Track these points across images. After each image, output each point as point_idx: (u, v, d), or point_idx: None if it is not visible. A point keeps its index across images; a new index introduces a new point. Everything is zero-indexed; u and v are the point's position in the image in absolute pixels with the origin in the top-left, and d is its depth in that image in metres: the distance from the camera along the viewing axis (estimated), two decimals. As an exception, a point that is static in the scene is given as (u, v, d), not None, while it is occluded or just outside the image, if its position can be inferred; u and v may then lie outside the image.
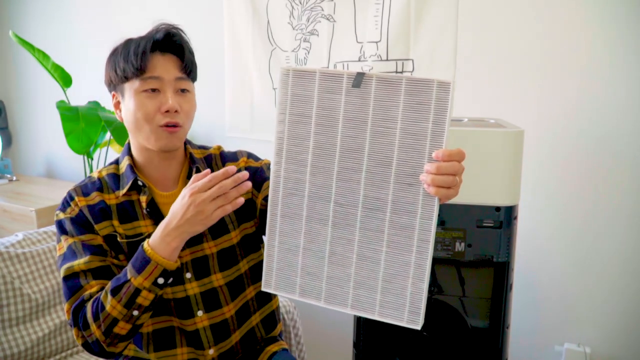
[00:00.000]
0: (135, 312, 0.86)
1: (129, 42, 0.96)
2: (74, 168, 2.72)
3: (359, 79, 0.75)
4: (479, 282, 1.18)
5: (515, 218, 1.14)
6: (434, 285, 1.20)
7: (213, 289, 1.02)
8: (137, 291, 0.85)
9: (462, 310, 1.19)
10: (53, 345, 1.54)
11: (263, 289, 0.86)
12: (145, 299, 0.85)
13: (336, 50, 1.82)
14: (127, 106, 0.95)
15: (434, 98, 0.72)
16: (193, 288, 1.00)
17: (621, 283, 1.48)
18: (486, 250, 1.13)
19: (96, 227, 0.95)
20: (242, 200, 0.84)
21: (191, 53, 0.99)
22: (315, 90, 0.78)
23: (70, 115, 2.08)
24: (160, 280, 0.86)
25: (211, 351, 1.03)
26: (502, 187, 1.10)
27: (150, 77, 0.92)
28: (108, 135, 2.24)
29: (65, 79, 2.31)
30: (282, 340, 1.19)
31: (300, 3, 1.85)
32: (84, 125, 2.09)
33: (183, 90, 0.96)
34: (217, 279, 1.02)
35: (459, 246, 1.14)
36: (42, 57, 2.24)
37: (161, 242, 0.85)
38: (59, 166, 2.89)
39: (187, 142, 1.06)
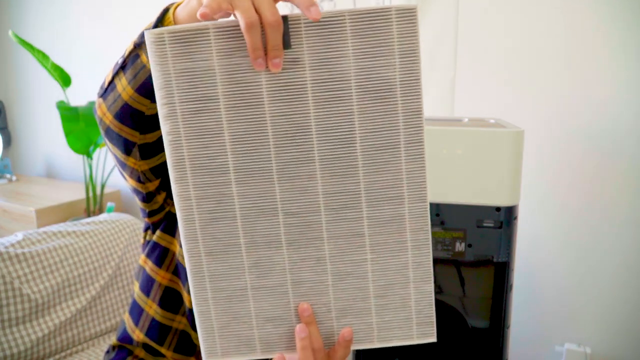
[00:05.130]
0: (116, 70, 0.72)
1: None
2: (74, 168, 2.72)
3: (286, 32, 0.51)
4: (479, 282, 1.18)
5: (516, 218, 1.14)
6: (434, 285, 1.20)
7: None
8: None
9: (462, 310, 1.19)
10: (53, 345, 1.54)
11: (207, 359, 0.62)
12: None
13: (336, 50, 1.82)
14: None
15: (395, 34, 0.52)
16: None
17: (621, 283, 1.48)
18: (486, 250, 1.13)
19: None
20: (260, 62, 0.53)
21: None
22: (214, 58, 0.52)
23: (70, 115, 2.08)
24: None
25: None
26: (502, 187, 1.10)
27: None
28: (108, 135, 2.24)
29: (65, 79, 2.31)
30: None
31: (300, 3, 1.85)
32: (84, 125, 2.09)
33: None
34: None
35: (459, 246, 1.14)
36: (42, 57, 2.24)
37: None
38: (58, 166, 2.89)
39: None
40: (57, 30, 2.67)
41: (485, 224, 1.12)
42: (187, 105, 0.53)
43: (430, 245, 0.60)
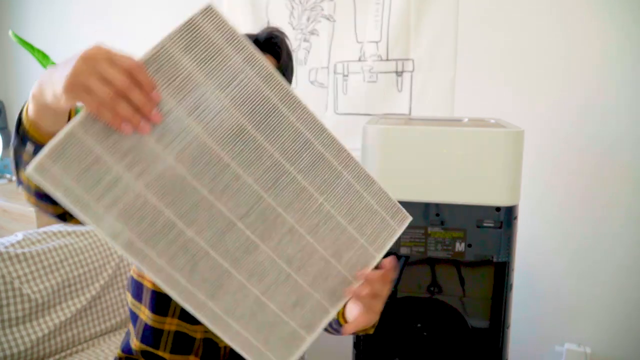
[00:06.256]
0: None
1: None
2: (74, 168, 2.72)
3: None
4: (479, 282, 1.18)
5: (515, 218, 1.14)
6: (434, 285, 1.20)
7: None
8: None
9: (462, 310, 1.19)
10: (53, 345, 1.54)
11: None
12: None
13: (336, 50, 1.82)
14: None
15: (219, 39, 0.57)
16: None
17: (621, 283, 1.48)
18: (486, 250, 1.13)
19: None
20: (127, 128, 0.54)
21: (289, 58, 0.98)
22: (97, 146, 0.55)
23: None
24: (14, 140, 0.67)
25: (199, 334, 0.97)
26: (502, 187, 1.10)
27: None
28: (108, 135, 2.24)
29: (65, 79, 2.30)
30: None
31: (300, 3, 1.85)
32: (84, 125, 2.08)
33: None
34: None
35: (459, 246, 1.13)
36: (42, 57, 2.24)
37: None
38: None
39: None
40: (57, 30, 2.67)
41: (485, 224, 1.12)
42: (103, 200, 0.55)
43: (357, 158, 0.67)
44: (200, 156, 0.58)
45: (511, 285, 1.17)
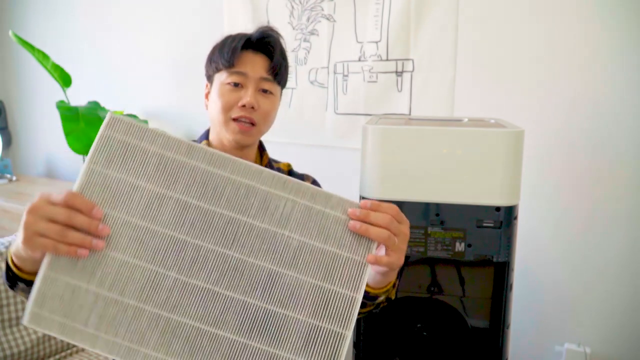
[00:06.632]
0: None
1: (227, 37, 0.98)
2: (74, 168, 2.72)
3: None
4: (479, 282, 1.18)
5: (515, 218, 1.14)
6: (434, 285, 1.20)
7: None
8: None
9: (462, 310, 1.19)
10: (53, 345, 1.54)
11: None
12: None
13: (336, 50, 1.82)
14: (212, 95, 0.98)
15: (131, 139, 0.64)
16: None
17: (621, 283, 1.48)
18: (486, 250, 1.13)
19: None
20: (83, 252, 0.61)
21: (283, 57, 0.99)
22: (60, 277, 0.61)
23: (70, 115, 2.08)
24: (4, 278, 0.73)
25: None
26: (502, 187, 1.10)
27: (236, 71, 0.95)
28: (108, 135, 2.23)
29: (65, 79, 2.30)
30: None
31: (300, 3, 1.85)
32: (84, 125, 2.09)
33: (265, 91, 0.97)
34: None
35: (459, 246, 1.13)
36: (42, 57, 2.24)
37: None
38: (59, 166, 2.89)
39: (264, 148, 1.05)
40: (57, 30, 2.67)
41: (485, 224, 1.12)
42: (89, 321, 0.61)
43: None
44: (157, 246, 0.62)
45: (511, 285, 1.17)
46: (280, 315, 0.63)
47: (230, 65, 0.94)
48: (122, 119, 0.63)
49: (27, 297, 0.73)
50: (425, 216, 1.13)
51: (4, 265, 0.72)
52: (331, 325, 0.63)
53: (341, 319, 0.63)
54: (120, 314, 0.61)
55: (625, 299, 1.48)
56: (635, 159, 1.41)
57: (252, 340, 0.62)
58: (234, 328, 0.62)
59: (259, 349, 0.62)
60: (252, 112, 0.94)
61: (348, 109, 1.83)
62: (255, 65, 0.96)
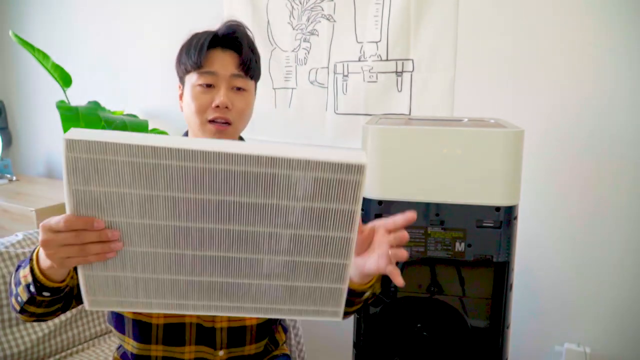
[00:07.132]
0: (19, 299, 0.81)
1: (193, 36, 0.96)
2: (74, 168, 2.72)
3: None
4: (479, 282, 1.18)
5: (515, 218, 1.14)
6: (434, 285, 1.20)
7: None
8: (18, 281, 0.79)
9: (462, 310, 1.19)
10: (53, 345, 1.54)
11: None
12: (22, 292, 0.79)
13: (336, 50, 1.82)
14: (185, 97, 0.97)
15: (95, 155, 0.64)
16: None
17: (621, 283, 1.48)
18: (486, 250, 1.13)
19: None
20: (110, 255, 0.68)
21: (252, 50, 0.97)
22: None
23: (70, 115, 2.08)
24: (32, 288, 0.77)
25: (221, 352, 0.99)
26: (502, 187, 1.10)
27: (206, 71, 0.93)
28: (108, 135, 2.23)
29: (65, 79, 2.30)
30: (284, 345, 1.18)
31: (300, 3, 1.85)
32: (84, 125, 2.09)
33: (239, 89, 0.95)
34: None
35: (459, 246, 1.14)
36: (42, 57, 2.24)
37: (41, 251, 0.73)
38: (59, 166, 2.89)
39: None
40: (58, 30, 2.67)
41: (485, 224, 1.12)
42: (138, 294, 0.73)
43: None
44: (165, 236, 0.68)
45: (511, 285, 1.17)
46: (290, 262, 0.72)
47: (198, 66, 0.92)
48: (79, 139, 0.61)
49: (39, 316, 0.86)
50: (425, 216, 1.13)
51: (5, 268, 0.74)
52: (333, 259, 0.71)
53: (341, 254, 0.71)
54: (161, 286, 0.72)
55: (626, 299, 1.48)
56: (636, 158, 1.41)
57: (273, 281, 0.73)
58: (257, 275, 0.72)
59: (280, 285, 0.73)
60: (226, 112, 0.92)
61: (348, 109, 1.83)
62: (224, 62, 0.93)
